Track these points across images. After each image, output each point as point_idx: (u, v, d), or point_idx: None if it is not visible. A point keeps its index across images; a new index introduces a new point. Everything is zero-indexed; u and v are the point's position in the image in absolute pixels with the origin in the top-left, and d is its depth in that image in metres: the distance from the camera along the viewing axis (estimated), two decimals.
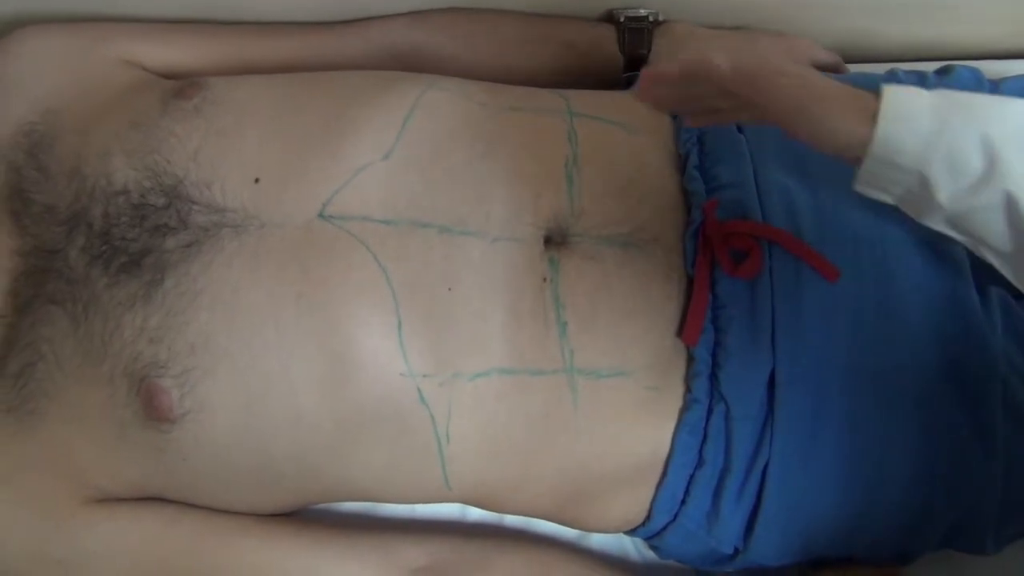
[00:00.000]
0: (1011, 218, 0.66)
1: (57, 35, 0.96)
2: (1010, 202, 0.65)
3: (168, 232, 0.81)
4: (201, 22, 1.02)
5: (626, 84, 1.04)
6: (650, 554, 1.00)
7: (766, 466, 0.85)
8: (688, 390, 0.85)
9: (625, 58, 1.04)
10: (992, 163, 0.65)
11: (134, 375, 0.79)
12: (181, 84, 0.89)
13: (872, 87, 0.93)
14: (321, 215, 0.82)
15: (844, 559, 0.93)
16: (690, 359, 0.85)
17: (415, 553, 0.90)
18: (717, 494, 0.87)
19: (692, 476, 0.86)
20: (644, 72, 0.78)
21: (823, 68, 1.06)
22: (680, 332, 0.84)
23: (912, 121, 0.67)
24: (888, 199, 0.71)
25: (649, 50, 1.04)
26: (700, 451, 0.85)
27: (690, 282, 0.86)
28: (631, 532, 0.94)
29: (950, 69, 1.00)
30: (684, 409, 0.85)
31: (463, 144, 0.86)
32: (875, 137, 0.67)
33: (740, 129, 0.91)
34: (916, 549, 0.92)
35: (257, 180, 0.83)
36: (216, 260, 0.80)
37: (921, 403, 0.85)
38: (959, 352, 0.85)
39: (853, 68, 1.08)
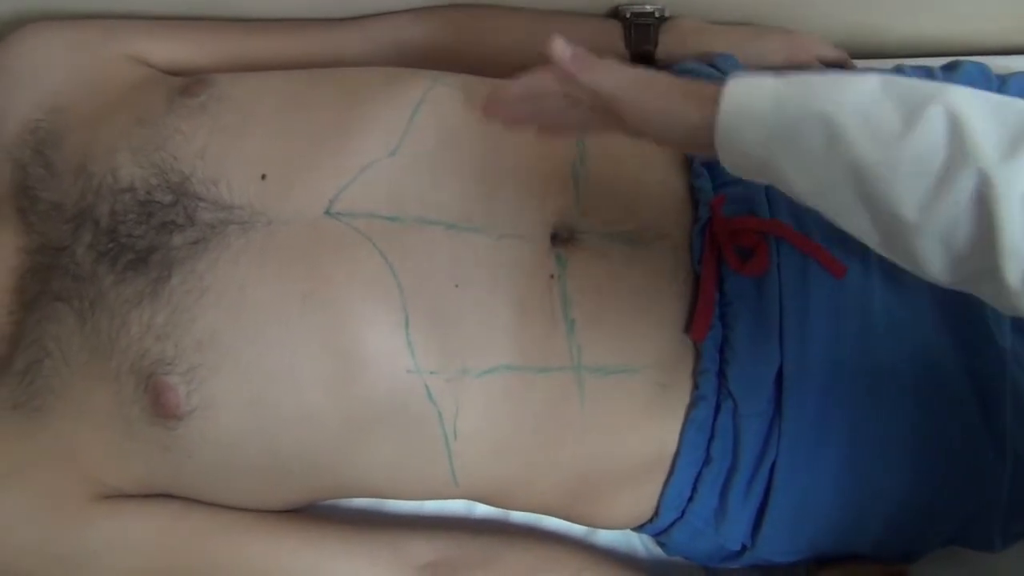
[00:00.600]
0: (859, 191, 0.63)
1: (62, 32, 0.96)
2: (857, 174, 0.62)
3: (175, 229, 0.81)
4: (206, 19, 1.02)
5: None
6: (657, 551, 1.00)
7: (774, 463, 0.85)
8: (695, 387, 0.85)
9: (632, 54, 1.03)
10: (831, 139, 0.62)
11: (141, 372, 0.79)
12: (187, 81, 0.89)
13: None
14: (328, 212, 0.82)
15: (850, 556, 0.93)
16: (697, 356, 0.85)
17: (422, 549, 0.90)
18: (724, 491, 0.87)
19: (699, 473, 0.86)
20: (487, 96, 0.78)
21: (830, 64, 1.05)
22: (688, 329, 0.84)
23: (752, 108, 0.65)
24: (750, 175, 0.69)
25: (655, 46, 1.03)
26: (708, 448, 0.85)
27: (697, 279, 0.85)
28: (638, 529, 0.94)
29: (957, 65, 0.99)
30: (691, 406, 0.85)
31: (470, 140, 0.86)
32: (719, 132, 0.66)
33: None
34: (923, 547, 0.92)
35: (264, 177, 0.83)
36: (223, 257, 0.80)
37: (929, 401, 0.85)
38: (967, 350, 0.85)
39: (860, 64, 1.08)
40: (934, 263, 0.61)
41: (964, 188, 0.58)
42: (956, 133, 0.59)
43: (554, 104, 0.75)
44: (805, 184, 0.65)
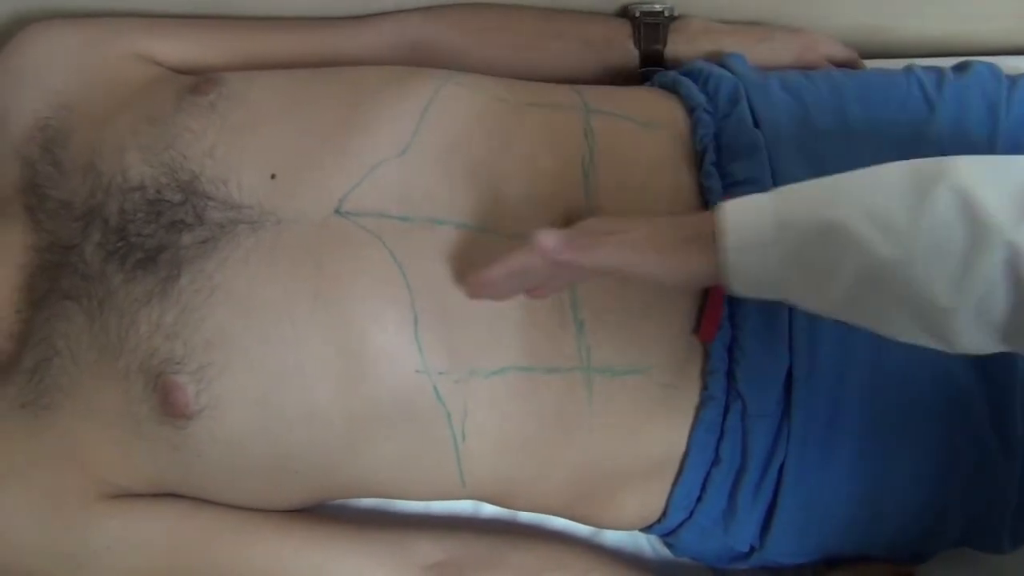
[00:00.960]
0: (884, 291, 0.62)
1: (71, 30, 0.95)
2: (876, 274, 0.61)
3: (184, 228, 0.81)
4: (215, 17, 1.02)
5: (642, 80, 1.03)
6: (665, 551, 0.99)
7: (783, 464, 0.85)
8: (704, 387, 0.84)
9: (641, 53, 1.03)
10: (843, 246, 0.62)
11: (150, 371, 0.79)
12: (196, 80, 0.89)
13: (888, 86, 0.94)
14: (337, 211, 0.82)
15: (859, 558, 0.93)
16: (706, 356, 0.84)
17: (429, 549, 0.89)
18: (733, 492, 0.86)
19: (708, 474, 0.86)
20: (470, 281, 0.77)
21: (839, 63, 1.05)
22: (697, 329, 0.84)
23: (755, 233, 0.64)
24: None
25: (665, 45, 1.03)
26: (716, 449, 0.85)
27: None
28: (646, 529, 0.93)
29: (968, 65, 0.99)
30: (700, 407, 0.85)
31: (480, 140, 0.86)
32: (724, 267, 0.65)
33: (757, 124, 0.91)
34: (932, 547, 0.92)
35: (273, 176, 0.83)
36: (232, 256, 0.80)
37: (939, 403, 0.85)
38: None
39: (870, 64, 1.07)
40: (975, 337, 0.61)
41: (993, 262, 0.58)
42: (968, 211, 0.58)
43: (542, 273, 0.74)
44: (829, 296, 0.64)
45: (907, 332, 0.63)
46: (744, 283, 0.66)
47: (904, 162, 0.63)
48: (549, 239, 0.71)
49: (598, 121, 0.90)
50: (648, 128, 0.90)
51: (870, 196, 0.62)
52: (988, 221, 0.58)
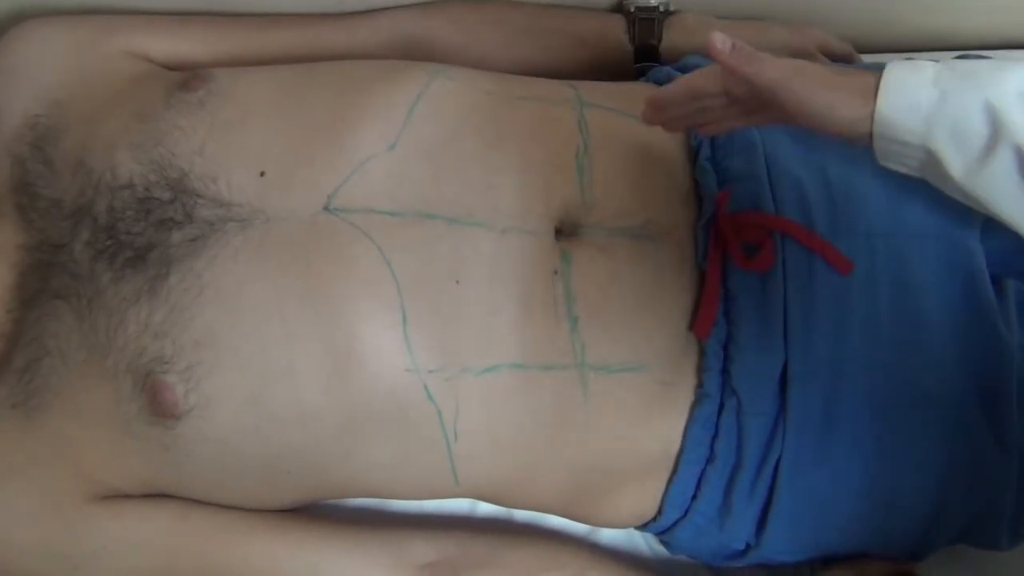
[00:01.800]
0: None
1: (62, 28, 0.95)
2: (1021, 159, 0.63)
3: (173, 226, 0.81)
4: (207, 14, 1.01)
5: (636, 75, 1.03)
6: (661, 549, 0.99)
7: (778, 461, 0.84)
8: (699, 384, 0.84)
9: (636, 49, 1.03)
10: (997, 126, 0.63)
11: (139, 371, 0.79)
12: (185, 76, 0.88)
13: None
14: (327, 208, 0.81)
15: (857, 555, 0.92)
16: (701, 353, 0.84)
17: (424, 549, 0.89)
18: (729, 489, 0.86)
19: (703, 471, 0.85)
20: (647, 102, 0.79)
21: (836, 58, 1.05)
22: (692, 326, 0.84)
23: (911, 96, 0.66)
24: (911, 172, 0.69)
25: (660, 41, 1.03)
26: (711, 446, 0.85)
27: (702, 275, 0.85)
28: (642, 527, 0.93)
29: (966, 59, 0.98)
30: (695, 404, 0.84)
31: (470, 133, 0.85)
32: (875, 116, 0.66)
33: None
34: (930, 545, 0.91)
35: (263, 174, 0.82)
36: (221, 255, 0.80)
37: (936, 398, 0.84)
38: (974, 347, 0.85)
39: (867, 58, 1.07)
40: None
41: None
42: None
43: (713, 103, 0.76)
44: (965, 177, 0.65)
45: None
46: (890, 140, 0.67)
47: None
48: (722, 36, 0.71)
49: (593, 115, 0.89)
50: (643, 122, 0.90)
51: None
52: None
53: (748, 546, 0.90)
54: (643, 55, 1.03)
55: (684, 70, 0.96)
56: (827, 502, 0.86)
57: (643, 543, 1.01)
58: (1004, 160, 0.63)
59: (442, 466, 0.83)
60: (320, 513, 0.91)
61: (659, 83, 0.97)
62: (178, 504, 0.84)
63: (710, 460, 0.85)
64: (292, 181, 0.82)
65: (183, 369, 0.78)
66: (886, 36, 1.13)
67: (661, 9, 1.04)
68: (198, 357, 0.78)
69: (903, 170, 0.69)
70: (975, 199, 0.67)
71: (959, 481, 0.86)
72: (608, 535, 1.00)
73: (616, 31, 1.03)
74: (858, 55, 1.07)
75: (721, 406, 0.84)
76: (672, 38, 1.03)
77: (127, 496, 0.84)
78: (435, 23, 1.03)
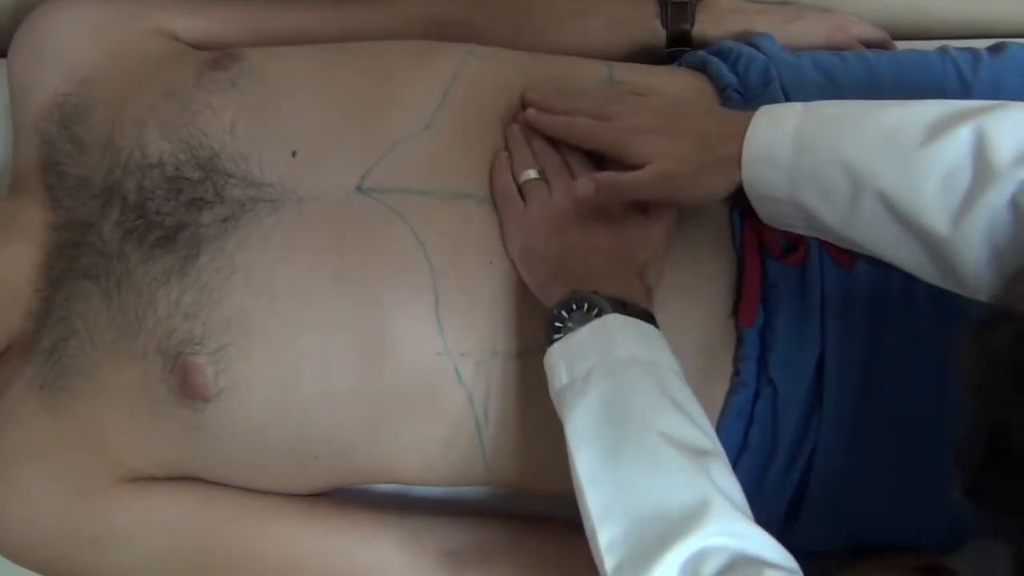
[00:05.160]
0: (894, 217, 0.67)
1: (89, 6, 0.95)
2: (886, 201, 0.66)
3: (204, 206, 0.80)
4: None
5: (669, 61, 1.02)
6: None
7: (812, 451, 0.83)
8: (736, 373, 0.83)
9: (668, 34, 1.02)
10: (855, 176, 0.67)
11: (168, 352, 0.78)
12: (216, 55, 0.88)
13: (922, 68, 0.92)
14: (359, 188, 0.81)
15: (886, 546, 0.91)
16: (739, 342, 0.83)
17: (447, 536, 0.88)
18: (762, 478, 0.85)
19: (737, 459, 0.84)
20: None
21: (870, 45, 1.03)
22: (734, 312, 0.83)
23: (771, 153, 0.71)
24: (801, 231, 0.75)
25: (692, 25, 1.01)
26: (746, 434, 0.84)
27: (739, 261, 0.84)
28: None
29: (1003, 46, 0.97)
30: (731, 393, 0.83)
31: (505, 113, 0.85)
32: (744, 181, 0.72)
33: None
34: (961, 538, 0.90)
35: (294, 154, 0.82)
36: (253, 235, 0.79)
37: None
38: None
39: (902, 45, 1.06)
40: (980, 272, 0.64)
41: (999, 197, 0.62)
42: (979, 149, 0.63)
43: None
44: (837, 217, 0.70)
45: (917, 263, 0.69)
46: (759, 197, 0.73)
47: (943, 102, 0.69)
48: (586, 183, 0.78)
49: None
50: None
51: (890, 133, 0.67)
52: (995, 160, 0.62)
53: (778, 534, 0.89)
54: (675, 40, 1.02)
55: (718, 54, 0.95)
56: (860, 493, 0.85)
57: None
58: (871, 204, 0.67)
59: (472, 451, 0.83)
60: (346, 498, 0.91)
61: (692, 68, 0.96)
62: (205, 487, 0.84)
63: (744, 448, 0.84)
64: (324, 161, 0.81)
65: (213, 351, 0.77)
66: (922, 22, 1.12)
67: None
68: (228, 339, 0.77)
69: (793, 230, 0.75)
70: (858, 245, 0.72)
71: None
72: None
73: (648, 16, 1.02)
74: (893, 42, 1.06)
75: (756, 395, 0.83)
76: (704, 23, 1.01)
77: (154, 479, 0.84)
78: (465, 6, 1.02)
